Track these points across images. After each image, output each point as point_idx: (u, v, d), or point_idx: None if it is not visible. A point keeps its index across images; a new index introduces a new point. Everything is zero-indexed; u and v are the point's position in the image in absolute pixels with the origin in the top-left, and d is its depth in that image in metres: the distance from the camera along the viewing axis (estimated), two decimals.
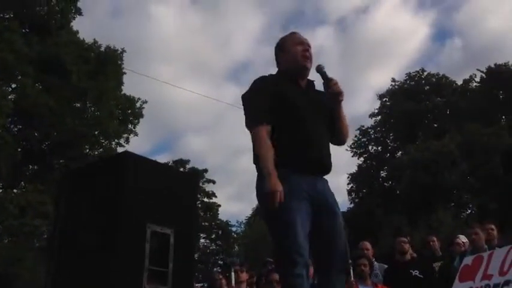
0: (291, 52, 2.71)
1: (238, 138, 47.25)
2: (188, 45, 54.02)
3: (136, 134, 23.12)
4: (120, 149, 21.12)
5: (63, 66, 19.04)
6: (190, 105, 52.55)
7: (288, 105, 2.58)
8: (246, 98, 2.67)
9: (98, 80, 20.46)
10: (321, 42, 57.02)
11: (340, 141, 2.84)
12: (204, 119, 56.34)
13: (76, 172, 4.01)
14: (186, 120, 55.75)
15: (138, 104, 23.06)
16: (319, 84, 2.76)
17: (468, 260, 3.25)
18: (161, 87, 63.63)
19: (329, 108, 2.69)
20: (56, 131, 19.70)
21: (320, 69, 2.68)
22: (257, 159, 2.50)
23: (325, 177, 2.66)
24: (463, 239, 5.75)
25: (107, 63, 21.07)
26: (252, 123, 2.57)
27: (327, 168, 2.65)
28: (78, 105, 21.40)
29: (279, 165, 2.42)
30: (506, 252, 2.92)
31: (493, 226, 5.52)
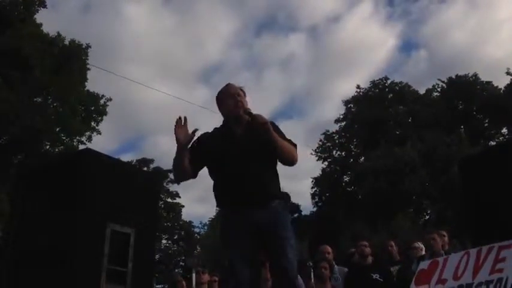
0: (224, 105, 3.13)
1: None
2: (159, 46, 53.35)
3: (99, 133, 22.63)
4: (82, 147, 20.62)
5: (24, 59, 18.45)
6: (160, 106, 51.89)
7: (212, 156, 3.01)
8: None
9: (61, 75, 19.91)
10: (293, 48, 57.58)
11: (286, 162, 3.13)
12: (174, 120, 55.66)
13: (34, 169, 3.90)
14: (155, 121, 55.07)
15: (102, 101, 22.60)
16: None
17: (424, 264, 3.33)
18: (131, 87, 62.59)
19: (264, 143, 2.99)
20: (15, 126, 19.04)
21: (245, 111, 3.04)
22: (176, 167, 2.97)
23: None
24: (420, 245, 5.91)
25: (71, 58, 20.54)
26: None
27: (255, 200, 2.94)
28: (40, 100, 20.77)
29: (219, 205, 3.03)
30: (460, 257, 3.00)
31: (444, 233, 5.73)
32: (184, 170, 2.96)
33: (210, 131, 3.20)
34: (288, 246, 2.92)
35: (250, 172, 2.95)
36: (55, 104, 21.30)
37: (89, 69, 21.64)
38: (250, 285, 2.86)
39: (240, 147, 3.01)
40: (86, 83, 22.03)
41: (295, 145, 3.16)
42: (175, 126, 2.92)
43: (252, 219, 2.88)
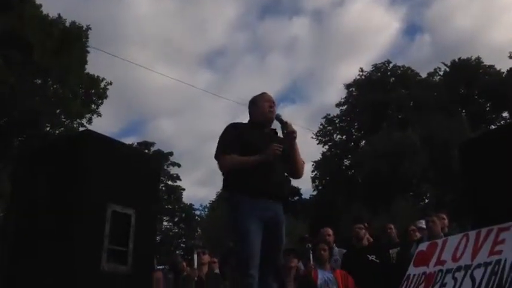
0: (260, 107, 3.51)
1: (209, 124, 46.98)
2: (162, 29, 53.06)
3: (99, 115, 22.60)
4: (82, 130, 20.59)
5: (24, 41, 18.32)
6: (162, 90, 51.90)
7: (246, 144, 3.33)
8: (219, 137, 3.45)
9: (61, 57, 19.78)
10: (296, 32, 57.20)
11: (295, 175, 3.59)
12: (176, 104, 55.72)
13: (34, 150, 3.89)
14: (158, 104, 55.02)
15: (102, 85, 22.51)
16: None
17: (423, 246, 3.35)
18: (133, 70, 62.57)
19: (285, 150, 3.37)
20: (16, 107, 19.00)
21: (277, 117, 3.47)
22: (237, 166, 3.29)
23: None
24: (422, 224, 5.95)
25: (71, 40, 20.40)
26: (217, 153, 3.39)
27: (277, 195, 3.34)
28: (40, 81, 20.69)
29: (238, 191, 3.25)
30: (459, 239, 3.02)
31: (444, 216, 5.76)
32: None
33: (241, 123, 3.57)
34: (282, 250, 3.41)
35: (276, 169, 3.33)
36: (55, 86, 21.21)
37: (88, 52, 21.53)
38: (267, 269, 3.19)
39: (269, 145, 3.32)
40: (86, 66, 21.93)
41: (303, 162, 3.58)
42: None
43: (269, 210, 3.25)
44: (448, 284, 2.79)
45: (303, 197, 35.23)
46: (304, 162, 3.60)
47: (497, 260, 2.59)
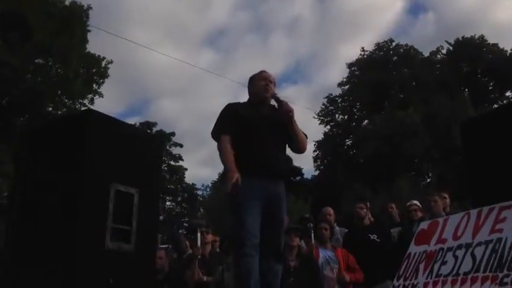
0: (256, 86, 3.52)
1: (211, 104, 46.83)
2: (164, 9, 52.42)
3: (101, 95, 22.55)
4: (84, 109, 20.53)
5: (25, 20, 18.16)
6: (164, 70, 51.60)
7: (244, 123, 3.32)
8: (216, 120, 3.44)
9: (62, 36, 19.63)
10: (299, 11, 56.47)
11: (298, 150, 3.55)
12: (178, 84, 55.47)
13: (36, 130, 3.89)
14: (160, 85, 54.78)
15: (103, 64, 22.40)
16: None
17: (424, 224, 3.37)
18: (135, 50, 62.16)
19: (284, 126, 3.40)
20: (17, 88, 18.94)
21: (274, 96, 3.47)
22: (222, 161, 3.22)
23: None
24: (416, 202, 5.97)
25: (72, 20, 20.21)
26: (215, 133, 3.38)
27: (276, 172, 3.31)
28: (41, 61, 20.58)
29: (238, 170, 3.12)
30: (460, 218, 3.03)
31: (446, 195, 5.77)
32: None
33: (239, 103, 3.57)
34: (282, 231, 3.35)
35: (273, 148, 3.33)
36: (56, 66, 21.11)
37: (89, 30, 21.36)
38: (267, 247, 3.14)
39: (266, 125, 3.36)
40: (87, 45, 21.79)
41: (306, 136, 3.56)
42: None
43: (268, 189, 3.23)
44: (448, 262, 2.81)
45: (304, 176, 35.36)
46: (307, 137, 3.57)
47: (498, 238, 2.61)
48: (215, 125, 3.42)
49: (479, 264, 2.59)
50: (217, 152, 3.31)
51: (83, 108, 20.96)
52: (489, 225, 2.74)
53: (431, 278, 2.82)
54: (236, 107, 3.50)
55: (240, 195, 3.12)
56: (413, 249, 3.20)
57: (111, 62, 22.54)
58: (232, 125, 3.32)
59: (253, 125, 3.34)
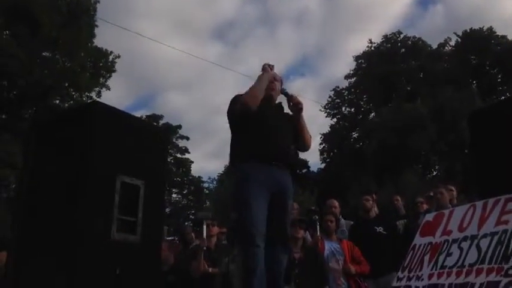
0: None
1: (219, 97, 46.80)
2: (172, 1, 52.38)
3: (108, 88, 22.63)
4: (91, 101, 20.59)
5: (32, 14, 18.22)
6: (172, 63, 51.60)
7: (255, 112, 3.29)
8: (229, 105, 3.44)
9: (69, 30, 19.69)
10: (306, 3, 56.21)
11: (302, 147, 3.59)
12: (186, 77, 55.50)
13: (44, 122, 3.92)
14: (167, 78, 54.88)
15: (110, 58, 22.45)
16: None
17: (430, 216, 3.36)
18: (143, 43, 62.27)
19: (292, 122, 3.48)
20: (25, 80, 19.04)
21: (282, 91, 3.54)
22: (252, 94, 3.33)
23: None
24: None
25: (79, 14, 20.26)
26: (234, 99, 3.41)
27: (284, 163, 3.31)
28: (48, 55, 20.66)
29: (245, 158, 3.21)
30: (466, 210, 3.02)
31: (453, 187, 5.76)
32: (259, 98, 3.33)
33: None
34: (289, 220, 3.35)
35: (281, 138, 3.36)
36: (63, 60, 21.19)
37: (97, 26, 21.41)
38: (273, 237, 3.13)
39: (274, 116, 3.41)
40: (95, 40, 21.85)
41: (310, 136, 3.60)
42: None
43: (275, 179, 3.21)
44: (453, 253, 2.80)
45: (311, 169, 35.34)
46: (311, 136, 3.60)
47: (503, 229, 2.60)
48: (231, 104, 3.43)
49: (485, 256, 2.58)
50: (242, 109, 3.31)
51: (89, 101, 21.08)
52: (495, 217, 2.72)
53: (436, 270, 2.82)
54: None
55: (247, 184, 3.14)
56: (419, 240, 3.20)
57: (119, 56, 22.63)
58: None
59: (262, 115, 3.35)
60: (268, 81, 3.53)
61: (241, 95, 3.37)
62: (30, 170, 3.38)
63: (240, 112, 3.32)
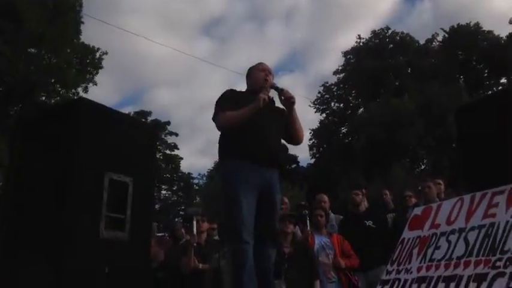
0: (255, 76, 3.54)
1: (207, 93, 46.64)
2: None
3: (95, 83, 22.43)
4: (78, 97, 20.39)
5: (17, 10, 17.97)
6: (160, 59, 51.35)
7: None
8: (217, 100, 3.43)
9: (55, 26, 19.45)
10: (295, 0, 56.11)
11: (295, 141, 3.58)
12: (174, 73, 55.25)
13: (30, 119, 3.87)
14: (155, 74, 54.59)
15: (97, 55, 22.24)
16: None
17: (418, 210, 3.38)
18: (131, 39, 61.73)
19: (283, 117, 3.46)
20: (10, 77, 18.80)
21: (273, 85, 3.48)
22: (236, 120, 3.23)
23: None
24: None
25: (65, 9, 20.02)
26: (215, 112, 3.35)
27: (272, 160, 3.32)
28: (34, 50, 20.41)
29: (234, 157, 3.23)
30: (453, 203, 3.05)
31: (441, 181, 5.80)
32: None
33: (240, 91, 3.57)
34: (277, 216, 3.37)
35: (270, 135, 3.35)
36: (49, 56, 20.94)
37: (83, 22, 21.18)
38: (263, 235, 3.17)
39: (264, 113, 3.32)
40: (81, 36, 21.62)
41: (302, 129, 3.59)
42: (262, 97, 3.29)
43: (262, 176, 3.23)
44: (441, 246, 2.83)
45: (300, 164, 35.44)
46: (303, 129, 3.60)
47: (491, 222, 2.63)
48: (216, 107, 3.41)
49: (472, 249, 2.60)
50: (220, 128, 3.32)
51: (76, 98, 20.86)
52: (482, 210, 2.75)
53: (424, 263, 2.84)
54: (235, 92, 3.51)
55: (235, 181, 3.15)
56: (407, 234, 3.22)
57: (106, 53, 22.41)
58: (231, 106, 3.31)
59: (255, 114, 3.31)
60: (264, 74, 3.50)
61: (223, 114, 3.29)
62: (16, 168, 3.34)
63: (217, 128, 3.37)
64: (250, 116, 3.24)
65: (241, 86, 3.67)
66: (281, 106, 3.54)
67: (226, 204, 3.21)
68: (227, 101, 3.38)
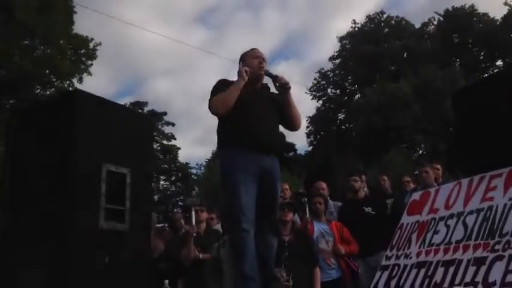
0: (249, 64, 3.45)
1: (204, 83, 46.43)
2: None
3: (90, 74, 22.27)
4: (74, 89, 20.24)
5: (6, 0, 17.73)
6: (155, 49, 51.01)
7: (238, 98, 3.25)
8: (211, 91, 3.40)
9: (45, 15, 19.18)
10: None
11: (292, 126, 3.55)
12: (170, 63, 54.92)
13: (25, 111, 3.84)
14: (151, 64, 54.26)
15: (91, 45, 22.05)
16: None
17: (416, 195, 3.39)
18: (125, 29, 61.31)
19: (278, 103, 3.44)
20: (4, 69, 18.64)
21: (267, 72, 3.46)
22: (226, 99, 3.23)
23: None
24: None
25: None
26: (209, 102, 3.33)
27: (270, 147, 3.31)
28: (27, 42, 20.21)
29: (232, 145, 3.21)
30: (451, 187, 3.06)
31: (438, 166, 5.80)
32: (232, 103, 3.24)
33: (230, 80, 3.48)
34: (277, 204, 3.38)
35: (267, 122, 3.32)
36: (42, 47, 20.74)
37: (75, 12, 20.93)
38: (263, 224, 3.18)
39: (259, 100, 3.36)
40: (74, 26, 21.39)
41: (299, 114, 3.56)
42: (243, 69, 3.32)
43: (262, 163, 3.21)
44: (440, 231, 2.84)
45: (298, 152, 35.45)
46: (300, 114, 3.58)
47: (489, 206, 2.64)
48: (210, 96, 3.39)
49: (471, 233, 2.62)
50: (216, 113, 3.30)
51: (71, 88, 20.72)
52: (480, 193, 2.76)
53: (423, 248, 2.86)
54: (227, 81, 3.48)
55: (234, 170, 3.15)
56: (406, 219, 3.23)
57: (100, 44, 22.22)
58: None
59: (248, 100, 3.31)
60: (258, 61, 3.48)
61: (214, 99, 3.30)
62: (13, 160, 3.32)
63: (213, 115, 3.36)
64: (238, 91, 3.25)
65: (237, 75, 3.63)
66: (276, 92, 3.53)
67: (226, 193, 3.21)
68: (219, 88, 3.37)
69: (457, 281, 2.41)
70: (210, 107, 3.34)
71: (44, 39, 19.91)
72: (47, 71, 20.55)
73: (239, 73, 3.32)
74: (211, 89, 3.44)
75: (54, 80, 21.27)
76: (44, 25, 19.08)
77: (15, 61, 18.59)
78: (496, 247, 2.38)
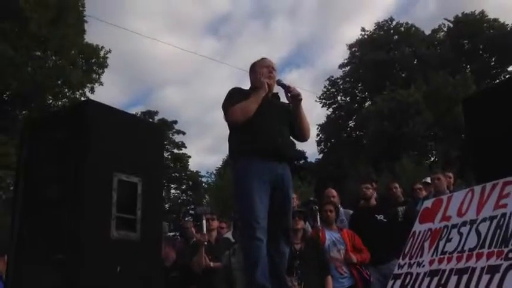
0: (259, 74, 3.47)
1: (215, 92, 46.65)
2: None
3: (101, 84, 22.51)
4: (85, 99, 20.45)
5: (20, 12, 18.02)
6: (166, 59, 51.45)
7: None
8: (224, 99, 3.41)
9: (58, 26, 19.48)
10: None
11: (301, 138, 3.55)
12: (181, 73, 55.30)
13: (38, 121, 3.88)
14: (162, 74, 54.68)
15: (102, 53, 22.32)
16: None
17: (428, 202, 3.36)
18: (137, 40, 61.93)
19: (289, 113, 3.46)
20: (17, 80, 18.89)
21: (279, 82, 3.49)
22: (246, 109, 3.24)
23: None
24: (427, 180, 5.97)
25: (68, 10, 20.06)
26: (225, 108, 3.34)
27: (285, 155, 3.33)
28: (39, 53, 20.49)
29: (244, 153, 3.22)
30: (464, 195, 3.02)
31: (451, 174, 5.77)
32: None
33: (245, 89, 3.53)
34: (290, 213, 3.37)
35: (281, 130, 3.35)
36: (54, 58, 21.01)
37: (86, 21, 21.23)
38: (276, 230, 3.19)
39: (272, 109, 3.38)
40: (86, 36, 21.68)
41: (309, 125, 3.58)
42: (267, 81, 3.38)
43: (277, 171, 3.23)
44: (453, 239, 2.81)
45: (308, 160, 35.37)
46: (309, 126, 3.59)
47: (502, 213, 2.61)
48: (225, 104, 3.39)
49: (484, 240, 2.58)
50: (233, 123, 3.31)
51: (83, 99, 20.93)
52: (493, 200, 2.73)
53: (436, 256, 2.83)
54: (242, 91, 3.50)
55: (247, 178, 3.15)
56: (418, 227, 3.20)
57: (110, 51, 22.48)
58: (239, 100, 3.33)
59: (261, 108, 3.31)
60: (267, 71, 3.49)
61: (234, 107, 3.30)
62: (24, 171, 3.36)
63: (230, 124, 3.36)
64: (258, 102, 3.28)
65: (248, 84, 3.65)
66: (286, 101, 3.54)
67: (239, 202, 3.22)
68: (234, 96, 3.38)
69: None
70: (227, 115, 3.34)
71: (56, 50, 20.18)
72: (59, 82, 20.80)
73: (256, 82, 3.37)
74: (225, 96, 3.45)
75: (66, 90, 21.51)
76: (56, 37, 19.35)
77: (27, 72, 18.82)
78: (510, 255, 2.35)
